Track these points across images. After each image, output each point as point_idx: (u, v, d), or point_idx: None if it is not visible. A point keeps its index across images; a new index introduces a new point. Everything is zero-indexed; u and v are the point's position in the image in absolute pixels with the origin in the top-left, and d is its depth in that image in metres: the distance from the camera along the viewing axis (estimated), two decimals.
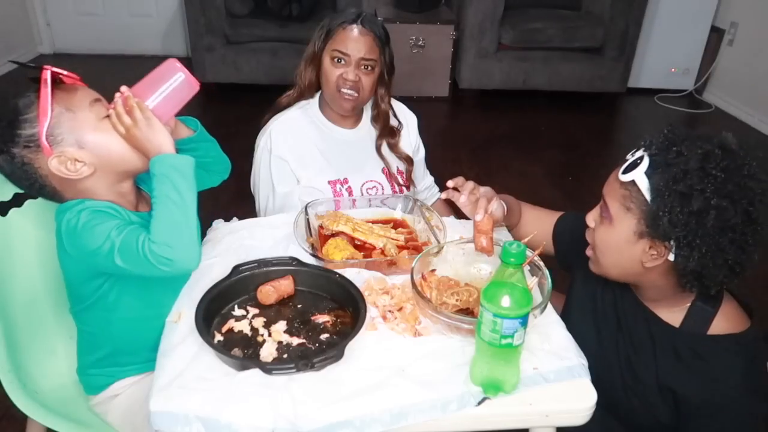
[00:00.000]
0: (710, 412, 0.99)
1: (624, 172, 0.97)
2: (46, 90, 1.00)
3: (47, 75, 1.01)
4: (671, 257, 0.95)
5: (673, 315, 1.05)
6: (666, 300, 1.05)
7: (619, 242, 1.00)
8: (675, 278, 0.99)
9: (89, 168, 1.05)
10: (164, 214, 1.01)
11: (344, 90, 1.52)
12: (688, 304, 1.04)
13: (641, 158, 0.95)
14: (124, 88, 1.07)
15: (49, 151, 1.01)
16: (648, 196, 0.93)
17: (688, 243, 0.91)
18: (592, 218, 1.07)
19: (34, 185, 1.06)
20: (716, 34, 4.25)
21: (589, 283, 1.19)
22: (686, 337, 1.02)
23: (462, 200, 1.19)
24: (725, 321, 1.01)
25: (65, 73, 1.04)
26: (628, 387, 1.09)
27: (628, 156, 1.00)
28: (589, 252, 1.09)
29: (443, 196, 1.24)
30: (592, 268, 1.10)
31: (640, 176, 0.94)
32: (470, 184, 1.22)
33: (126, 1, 4.72)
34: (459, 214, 1.33)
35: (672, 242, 0.93)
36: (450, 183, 1.22)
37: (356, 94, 1.53)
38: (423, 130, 1.79)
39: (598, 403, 0.98)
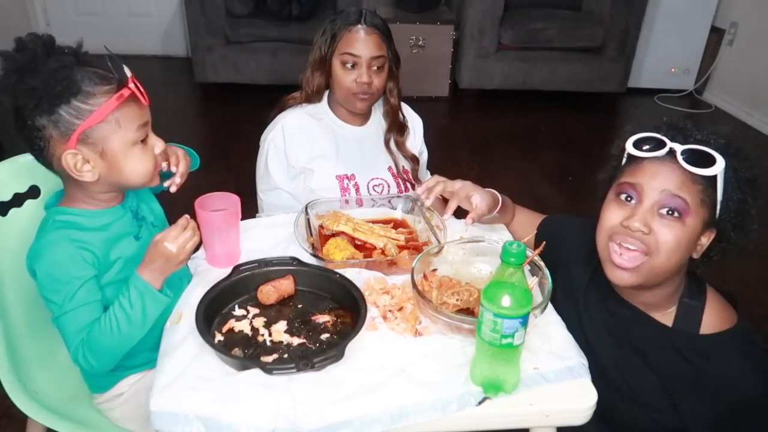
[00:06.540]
0: (735, 410, 0.98)
1: (698, 166, 0.94)
2: (115, 103, 0.97)
3: (126, 92, 0.98)
4: (706, 241, 0.99)
5: (665, 316, 1.05)
6: (659, 303, 1.05)
7: (689, 237, 0.96)
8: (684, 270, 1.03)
9: (94, 175, 1.01)
10: (114, 328, 1.02)
11: (359, 93, 1.54)
12: (676, 305, 1.04)
13: (703, 153, 0.94)
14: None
15: (73, 145, 0.97)
16: (722, 188, 0.95)
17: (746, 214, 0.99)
18: (642, 223, 0.95)
19: (35, 149, 1.00)
20: (716, 34, 4.25)
21: (570, 288, 1.17)
22: (682, 336, 1.02)
23: (427, 204, 1.29)
24: (714, 316, 1.02)
25: (143, 94, 1.01)
26: (626, 395, 1.07)
27: (647, 142, 0.98)
28: (635, 258, 0.97)
29: (426, 203, 1.28)
30: (627, 280, 0.99)
31: (719, 171, 0.93)
32: (438, 187, 1.28)
33: (126, 1, 4.73)
34: (458, 214, 1.33)
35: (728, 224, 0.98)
36: (419, 191, 1.29)
37: (371, 95, 1.56)
38: (423, 131, 1.79)
39: (595, 414, 0.97)
